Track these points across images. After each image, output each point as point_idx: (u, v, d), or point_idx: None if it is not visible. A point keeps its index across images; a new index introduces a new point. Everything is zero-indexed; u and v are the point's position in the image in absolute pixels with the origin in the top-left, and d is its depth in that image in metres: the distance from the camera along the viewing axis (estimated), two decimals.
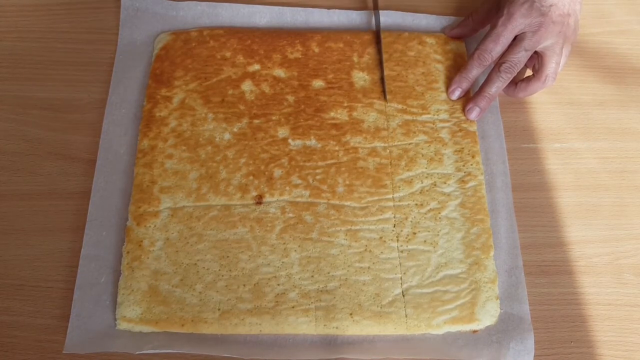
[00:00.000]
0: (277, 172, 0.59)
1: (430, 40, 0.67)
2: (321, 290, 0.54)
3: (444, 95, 0.64)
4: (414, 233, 0.57)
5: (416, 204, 0.58)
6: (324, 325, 0.53)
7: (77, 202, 0.58)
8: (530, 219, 0.60)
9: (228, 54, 0.64)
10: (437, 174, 0.60)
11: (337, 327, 0.53)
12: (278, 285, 0.54)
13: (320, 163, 0.60)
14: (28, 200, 0.58)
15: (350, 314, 0.54)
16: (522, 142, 0.64)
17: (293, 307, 0.54)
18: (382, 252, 0.56)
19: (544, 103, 0.66)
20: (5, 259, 0.56)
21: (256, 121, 0.61)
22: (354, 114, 0.62)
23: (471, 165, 0.60)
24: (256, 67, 0.64)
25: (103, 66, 0.64)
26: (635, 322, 0.56)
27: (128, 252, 0.55)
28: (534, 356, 0.53)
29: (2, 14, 0.68)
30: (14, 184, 0.59)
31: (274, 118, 0.61)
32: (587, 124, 0.65)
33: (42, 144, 0.61)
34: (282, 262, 0.55)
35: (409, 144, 0.61)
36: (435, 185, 0.59)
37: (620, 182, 0.62)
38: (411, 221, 0.58)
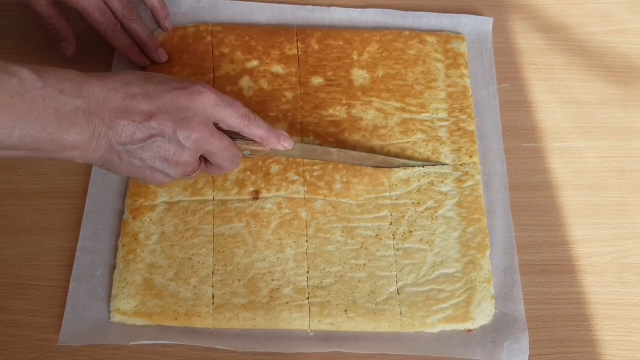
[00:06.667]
0: (275, 168, 0.59)
1: (431, 39, 0.66)
2: (316, 287, 0.54)
3: (443, 95, 0.63)
4: (411, 231, 0.57)
5: (413, 203, 0.58)
6: (318, 322, 0.53)
7: (77, 201, 0.58)
8: (531, 218, 0.59)
9: (226, 51, 0.65)
10: (435, 173, 0.59)
11: (331, 324, 0.53)
12: (273, 280, 0.54)
13: (317, 160, 0.60)
14: (28, 199, 0.59)
15: (345, 311, 0.53)
16: (523, 141, 0.63)
17: (287, 303, 0.54)
18: (378, 250, 0.56)
19: (545, 102, 0.65)
20: (5, 257, 0.56)
21: None
22: (353, 111, 0.62)
23: (469, 165, 0.60)
24: (255, 63, 0.64)
25: (105, 65, 0.65)
26: (636, 322, 0.55)
27: (124, 246, 0.55)
28: (534, 355, 0.53)
29: (5, 13, 0.68)
30: (14, 182, 0.59)
31: (272, 114, 0.62)
32: (588, 123, 0.64)
33: None
34: (278, 258, 0.55)
35: (407, 142, 0.61)
36: (432, 184, 0.59)
37: (621, 181, 0.61)
38: (408, 220, 0.57)
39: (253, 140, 0.53)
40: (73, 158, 0.45)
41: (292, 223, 0.57)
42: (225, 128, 0.50)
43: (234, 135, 0.52)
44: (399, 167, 0.59)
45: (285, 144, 0.54)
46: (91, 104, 0.44)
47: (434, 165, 0.60)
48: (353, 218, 0.57)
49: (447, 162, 0.60)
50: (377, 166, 0.59)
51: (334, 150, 0.58)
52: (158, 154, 0.47)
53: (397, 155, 0.60)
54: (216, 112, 0.49)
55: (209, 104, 0.48)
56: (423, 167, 0.60)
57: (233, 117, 0.50)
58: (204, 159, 0.52)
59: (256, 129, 0.51)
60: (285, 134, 0.54)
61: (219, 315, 0.53)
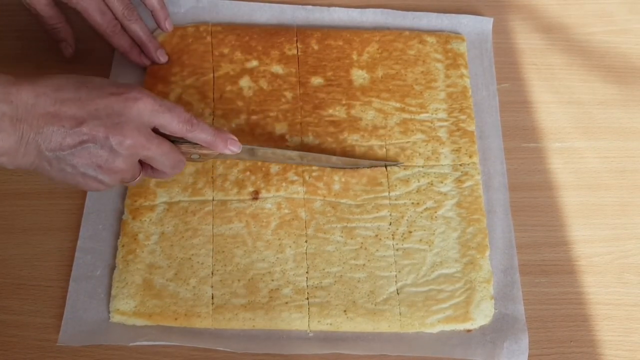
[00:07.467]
0: (274, 168, 0.59)
1: (430, 39, 0.66)
2: (315, 287, 0.54)
3: (442, 95, 0.63)
4: (410, 232, 0.57)
5: (412, 203, 0.58)
6: (318, 322, 0.53)
7: (77, 202, 0.58)
8: (531, 218, 0.59)
9: (226, 51, 0.65)
10: (434, 173, 0.59)
11: (330, 324, 0.53)
12: (272, 280, 0.55)
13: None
14: (28, 200, 0.59)
15: (344, 311, 0.53)
16: (523, 141, 0.63)
17: (287, 303, 0.54)
18: (377, 250, 0.56)
19: (545, 102, 0.65)
20: (4, 258, 0.56)
21: (254, 117, 0.61)
22: (352, 111, 0.62)
23: (468, 165, 0.60)
24: (254, 63, 0.64)
25: (105, 65, 0.65)
26: (636, 322, 0.55)
27: (123, 246, 0.55)
28: (534, 355, 0.53)
29: (5, 13, 0.68)
30: (14, 182, 0.59)
31: (271, 114, 0.62)
32: (587, 123, 0.64)
33: None
34: (277, 258, 0.55)
35: (407, 142, 0.61)
36: (431, 184, 0.59)
37: (621, 181, 0.61)
38: (407, 220, 0.57)
39: (200, 144, 0.52)
40: (1, 163, 0.44)
41: (291, 223, 0.57)
42: (167, 133, 0.49)
43: (180, 139, 0.51)
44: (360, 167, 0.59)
45: (233, 147, 0.52)
46: (18, 109, 0.43)
47: (394, 164, 0.59)
48: (352, 218, 0.57)
49: (446, 162, 0.60)
50: (333, 167, 0.59)
51: (292, 153, 0.58)
52: (90, 160, 0.46)
53: (397, 155, 0.60)
54: (154, 117, 0.48)
55: (144, 109, 0.47)
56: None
57: (173, 122, 0.48)
58: (149, 165, 0.51)
59: (200, 134, 0.50)
60: (234, 137, 0.53)
61: (218, 315, 0.53)
